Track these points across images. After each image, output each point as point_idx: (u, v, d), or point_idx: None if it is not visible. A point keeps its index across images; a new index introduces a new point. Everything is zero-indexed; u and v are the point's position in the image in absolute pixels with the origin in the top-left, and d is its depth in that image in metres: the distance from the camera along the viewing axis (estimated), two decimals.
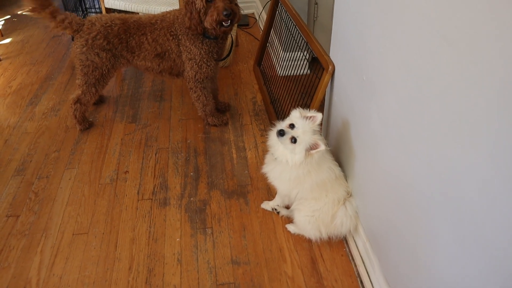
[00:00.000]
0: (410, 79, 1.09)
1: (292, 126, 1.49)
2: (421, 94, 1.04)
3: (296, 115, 1.52)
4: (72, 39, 2.13)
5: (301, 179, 1.56)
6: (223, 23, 1.95)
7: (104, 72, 2.17)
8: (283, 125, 1.51)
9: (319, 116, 1.50)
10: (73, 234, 1.77)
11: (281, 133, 1.46)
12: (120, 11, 2.76)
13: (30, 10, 1.99)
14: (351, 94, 1.58)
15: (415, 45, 1.05)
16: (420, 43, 1.02)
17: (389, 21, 1.18)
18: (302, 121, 1.48)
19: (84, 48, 2.10)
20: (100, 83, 2.21)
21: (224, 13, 1.90)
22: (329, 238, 1.67)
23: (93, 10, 3.70)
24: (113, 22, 2.10)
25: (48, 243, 1.74)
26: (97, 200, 1.93)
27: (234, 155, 2.16)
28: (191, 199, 1.91)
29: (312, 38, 1.95)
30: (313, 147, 1.47)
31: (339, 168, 1.66)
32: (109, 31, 2.09)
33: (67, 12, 2.08)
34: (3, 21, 3.88)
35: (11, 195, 1.97)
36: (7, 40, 3.50)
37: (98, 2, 3.78)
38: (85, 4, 3.67)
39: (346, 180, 1.68)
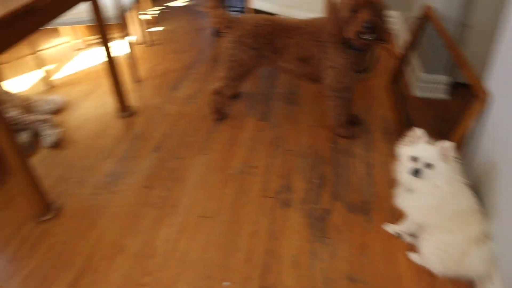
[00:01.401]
0: None
1: (415, 158, 1.47)
2: None
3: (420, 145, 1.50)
4: (215, 35, 2.27)
5: (440, 205, 1.49)
6: (363, 35, 1.91)
7: (248, 69, 2.27)
8: (405, 161, 1.51)
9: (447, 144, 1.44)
10: (198, 216, 1.88)
11: (417, 172, 1.45)
12: (264, 13, 2.87)
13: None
14: (510, 131, 1.44)
15: None
16: None
17: None
18: (424, 149, 1.47)
19: (234, 44, 2.22)
20: (242, 78, 2.32)
21: (365, 25, 1.86)
22: (454, 277, 1.55)
23: (234, 9, 3.90)
24: (262, 23, 2.18)
25: (176, 219, 1.86)
26: (223, 188, 2.02)
27: (361, 170, 2.11)
28: (313, 205, 1.91)
29: (463, 61, 1.84)
30: (444, 152, 1.44)
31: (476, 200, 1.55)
32: (258, 31, 2.18)
33: (222, 9, 2.22)
34: (159, 11, 4.30)
35: (149, 169, 2.16)
36: (161, 28, 3.90)
37: (241, 1, 3.98)
38: (227, 3, 3.90)
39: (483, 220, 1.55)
